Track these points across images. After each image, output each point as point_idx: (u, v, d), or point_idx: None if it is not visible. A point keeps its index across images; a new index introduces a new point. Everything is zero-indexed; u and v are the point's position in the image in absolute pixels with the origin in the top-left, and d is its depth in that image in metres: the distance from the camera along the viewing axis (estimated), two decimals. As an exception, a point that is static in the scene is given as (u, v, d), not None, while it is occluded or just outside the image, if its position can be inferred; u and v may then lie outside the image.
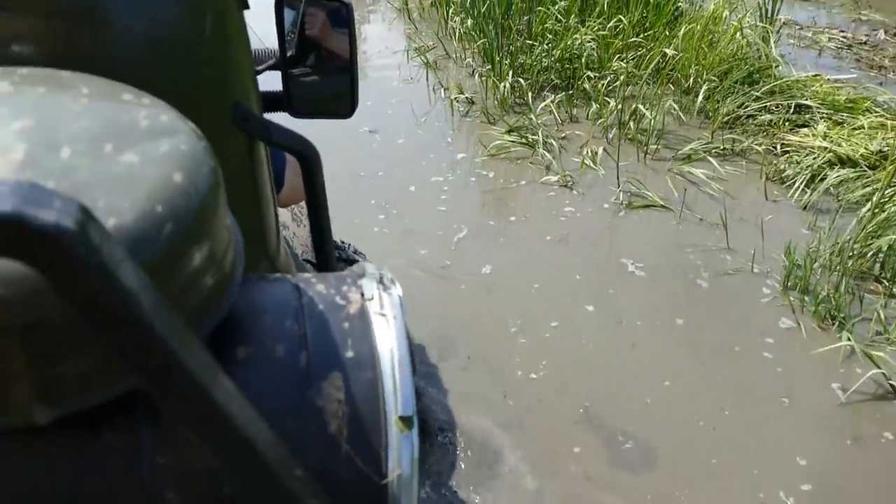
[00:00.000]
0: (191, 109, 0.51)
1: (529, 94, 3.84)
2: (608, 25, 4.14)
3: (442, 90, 4.16)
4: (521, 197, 3.07)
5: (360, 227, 2.87)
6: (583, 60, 3.88)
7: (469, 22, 4.50)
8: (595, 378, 2.17)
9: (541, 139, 3.37)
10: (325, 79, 1.01)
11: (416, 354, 2.20)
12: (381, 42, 5.00)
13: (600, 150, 3.37)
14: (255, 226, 0.73)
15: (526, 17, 4.29)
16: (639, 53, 4.00)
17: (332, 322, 0.45)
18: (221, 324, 0.43)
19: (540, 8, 4.23)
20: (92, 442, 0.39)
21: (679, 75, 3.75)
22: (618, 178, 3.11)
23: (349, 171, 3.38)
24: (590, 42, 4.01)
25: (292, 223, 1.43)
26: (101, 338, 0.30)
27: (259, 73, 1.01)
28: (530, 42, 4.15)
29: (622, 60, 3.93)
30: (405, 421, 0.43)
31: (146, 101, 0.44)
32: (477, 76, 3.96)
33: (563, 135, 3.56)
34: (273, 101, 1.02)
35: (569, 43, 3.99)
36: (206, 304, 0.41)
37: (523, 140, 3.44)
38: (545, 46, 4.04)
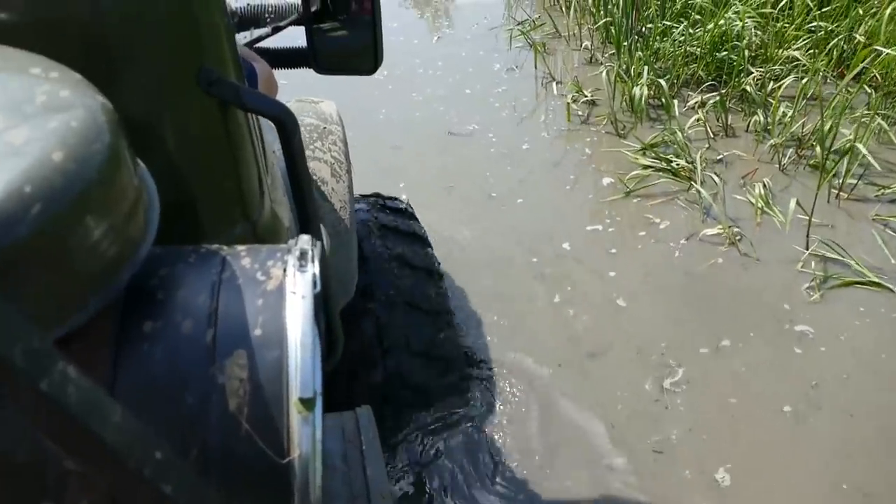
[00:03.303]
0: (152, 74, 0.57)
1: (674, 100, 2.90)
2: (777, 1, 3.11)
3: (554, 84, 3.27)
4: (702, 271, 2.11)
5: (525, 318, 1.99)
6: (742, 49, 2.89)
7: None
8: None
9: (699, 171, 2.47)
10: (349, 34, 0.97)
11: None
12: (478, 12, 4.10)
13: (772, 183, 2.45)
14: (231, 189, 0.70)
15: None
16: (816, 37, 2.96)
17: (246, 298, 0.44)
18: (135, 295, 0.43)
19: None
20: None
21: (877, 73, 2.72)
22: (807, 236, 2.20)
23: (477, 186, 2.58)
24: (750, 23, 3.00)
25: (331, 178, 1.33)
26: None
27: (282, 28, 1.01)
28: (668, 23, 3.18)
29: (796, 49, 2.92)
30: (305, 403, 0.40)
31: (53, 75, 0.43)
32: (604, 73, 3.04)
33: (717, 156, 2.63)
34: (298, 57, 1.04)
35: (720, 24, 3.00)
36: (104, 273, 0.40)
37: (667, 166, 2.56)
38: (689, 30, 3.07)
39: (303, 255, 0.46)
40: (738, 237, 2.23)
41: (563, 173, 2.65)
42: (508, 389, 1.82)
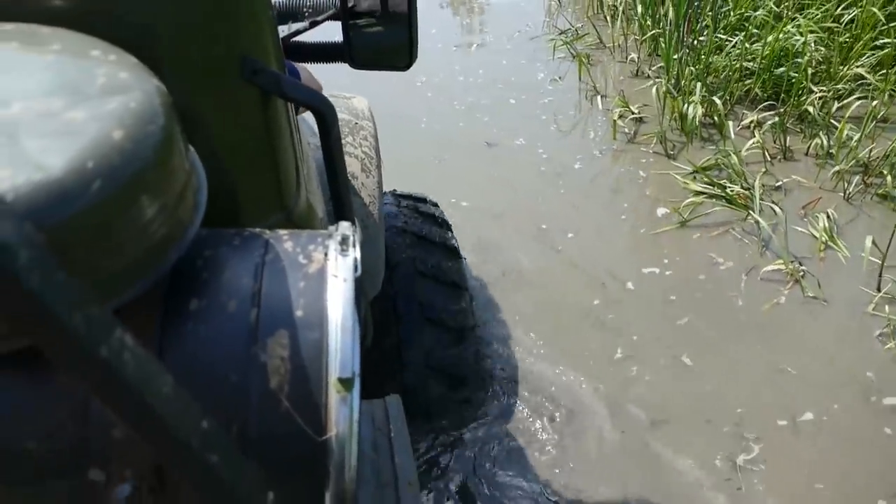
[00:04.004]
0: (195, 62, 0.57)
1: (728, 118, 2.70)
2: (840, 15, 2.89)
3: (598, 98, 3.11)
4: (767, 316, 1.90)
5: (583, 376, 1.78)
6: (804, 66, 2.69)
7: (639, 9, 3.35)
8: None
9: (757, 199, 2.29)
10: (385, 30, 0.94)
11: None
12: (519, 20, 3.94)
13: (836, 214, 2.26)
14: (269, 178, 0.70)
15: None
16: (884, 53, 2.75)
17: (289, 280, 0.45)
18: (181, 275, 0.44)
19: (742, -10, 3.02)
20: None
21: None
22: (880, 275, 2.01)
23: (528, 214, 2.37)
24: (812, 38, 2.79)
25: (361, 173, 1.32)
26: None
27: (319, 23, 0.99)
28: (722, 36, 2.98)
29: (861, 67, 2.71)
30: (344, 382, 0.41)
31: (112, 58, 0.44)
32: (654, 89, 2.86)
33: (775, 182, 2.44)
34: (333, 52, 1.01)
35: (779, 38, 2.80)
36: (154, 251, 0.41)
37: (722, 192, 2.37)
38: (746, 45, 2.87)
39: (344, 240, 0.46)
40: (801, 273, 2.05)
41: (617, 200, 2.46)
42: (560, 461, 1.62)
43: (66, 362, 0.29)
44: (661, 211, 2.37)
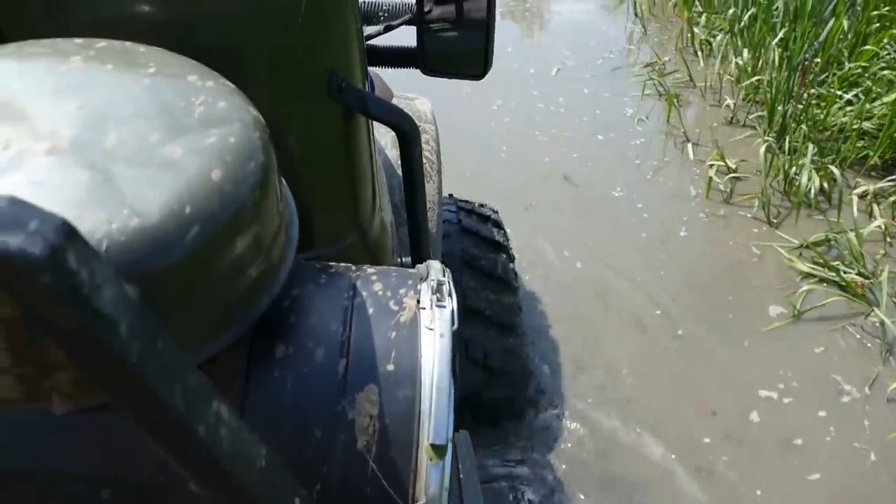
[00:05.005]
0: (283, 77, 0.56)
1: (839, 184, 2.40)
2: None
3: (690, 146, 2.81)
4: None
5: None
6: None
7: (744, 53, 3.03)
8: None
9: (884, 294, 1.98)
10: (462, 36, 0.91)
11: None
12: (601, 44, 3.64)
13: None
14: (347, 197, 0.68)
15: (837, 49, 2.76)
16: None
17: (379, 329, 0.42)
18: (267, 316, 0.41)
19: (867, 47, 2.69)
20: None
21: None
22: None
23: (631, 302, 2.07)
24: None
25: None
26: (77, 363, 0.25)
27: (394, 27, 0.96)
28: (840, 93, 2.66)
29: None
30: (437, 449, 0.38)
31: (210, 84, 0.41)
32: (762, 149, 2.55)
33: (897, 268, 2.15)
34: (405, 57, 0.97)
35: (899, 99, 2.46)
36: (247, 296, 0.38)
37: (836, 277, 2.08)
38: (868, 102, 2.54)
39: (440, 288, 0.42)
40: (934, 395, 1.75)
41: (723, 284, 2.13)
42: None
43: (160, 440, 0.26)
44: (773, 308, 2.05)
